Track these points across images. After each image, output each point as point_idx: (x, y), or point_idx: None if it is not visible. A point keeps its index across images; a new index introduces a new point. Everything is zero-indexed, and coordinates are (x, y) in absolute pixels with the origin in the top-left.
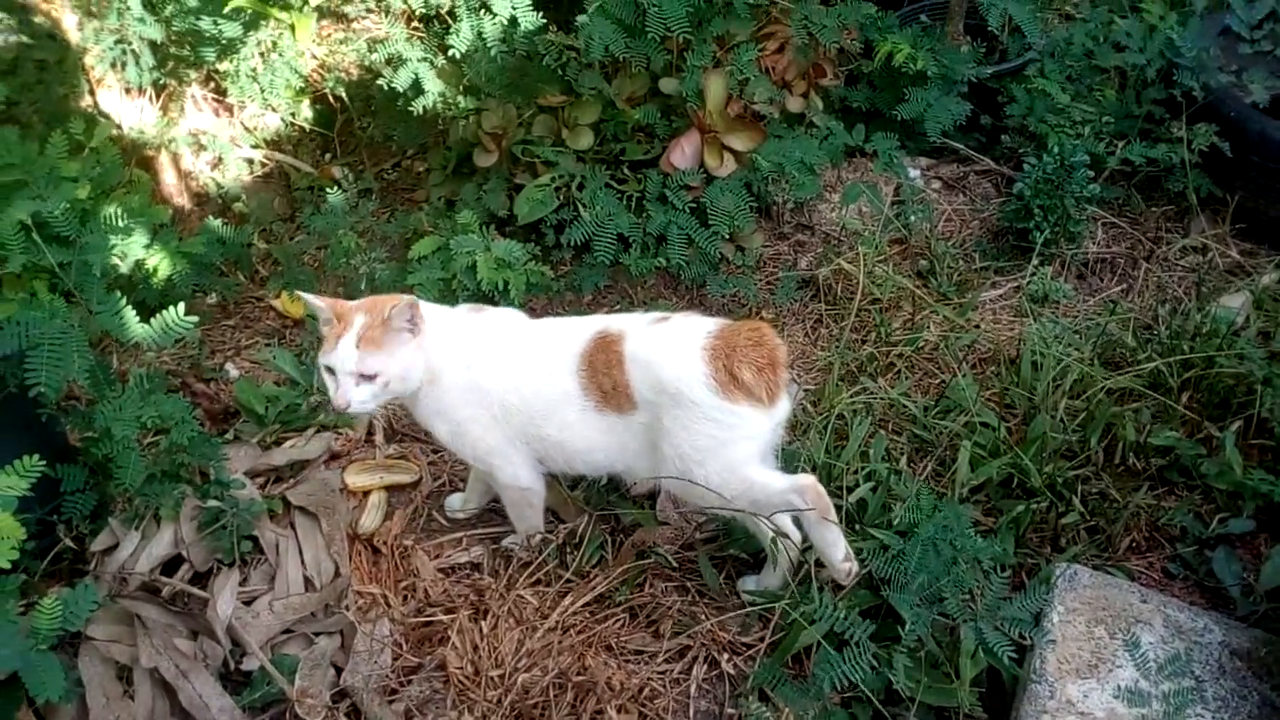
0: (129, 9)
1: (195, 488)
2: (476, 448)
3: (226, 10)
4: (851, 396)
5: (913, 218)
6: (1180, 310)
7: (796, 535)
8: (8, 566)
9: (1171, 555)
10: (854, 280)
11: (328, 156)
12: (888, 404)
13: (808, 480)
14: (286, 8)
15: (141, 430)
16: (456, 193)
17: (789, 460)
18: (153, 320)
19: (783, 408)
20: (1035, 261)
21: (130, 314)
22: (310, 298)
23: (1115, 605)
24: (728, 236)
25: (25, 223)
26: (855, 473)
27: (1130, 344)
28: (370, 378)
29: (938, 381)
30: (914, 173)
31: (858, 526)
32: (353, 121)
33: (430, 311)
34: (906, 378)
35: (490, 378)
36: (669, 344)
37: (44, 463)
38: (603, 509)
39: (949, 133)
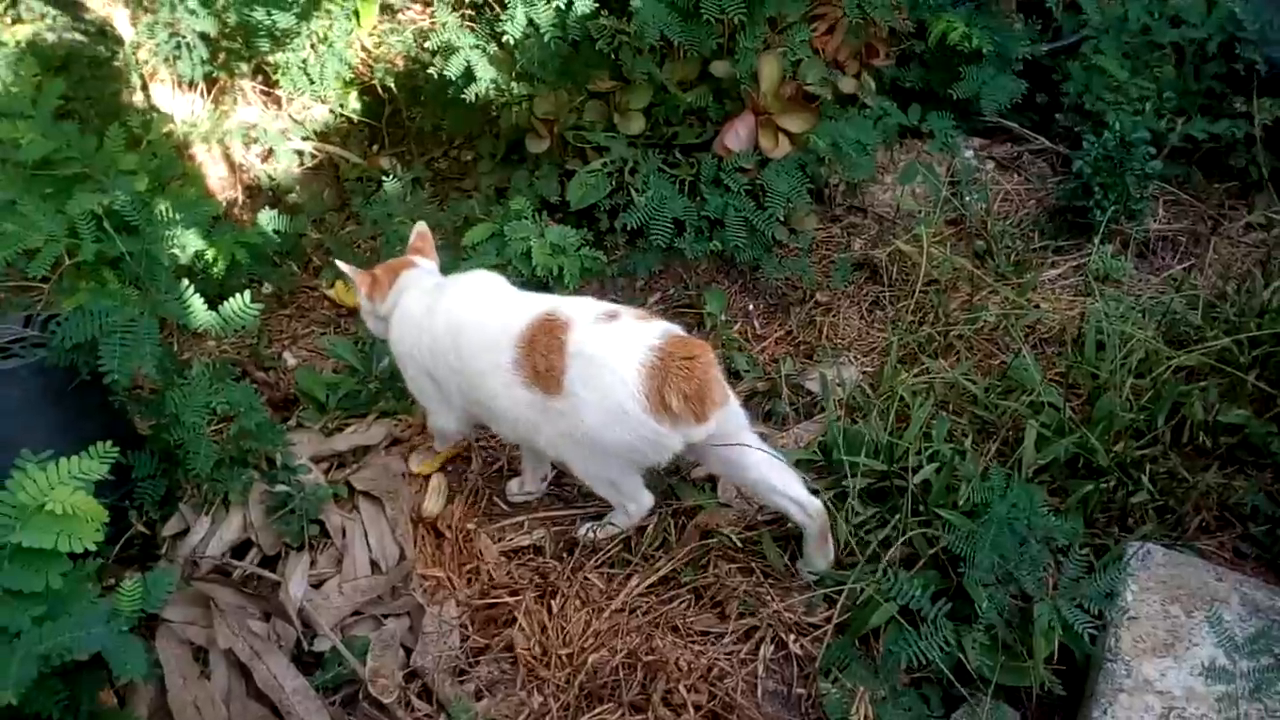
0: (183, 2)
1: (262, 473)
2: (416, 387)
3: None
4: (912, 378)
5: (968, 197)
6: (1246, 287)
7: (649, 501)
8: (94, 548)
9: (1243, 534)
10: (910, 261)
11: (375, 147)
12: (948, 385)
13: (650, 503)
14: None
15: (210, 417)
16: (506, 180)
17: (852, 442)
18: (220, 308)
19: (707, 428)
20: (1097, 240)
21: (197, 301)
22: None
23: (1190, 584)
24: (782, 219)
25: (96, 212)
26: (919, 454)
27: (1196, 322)
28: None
29: (998, 362)
30: (968, 152)
31: (923, 507)
32: (400, 112)
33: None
34: (966, 359)
35: (442, 336)
36: (612, 349)
37: (117, 449)
38: (665, 492)
39: (1004, 111)
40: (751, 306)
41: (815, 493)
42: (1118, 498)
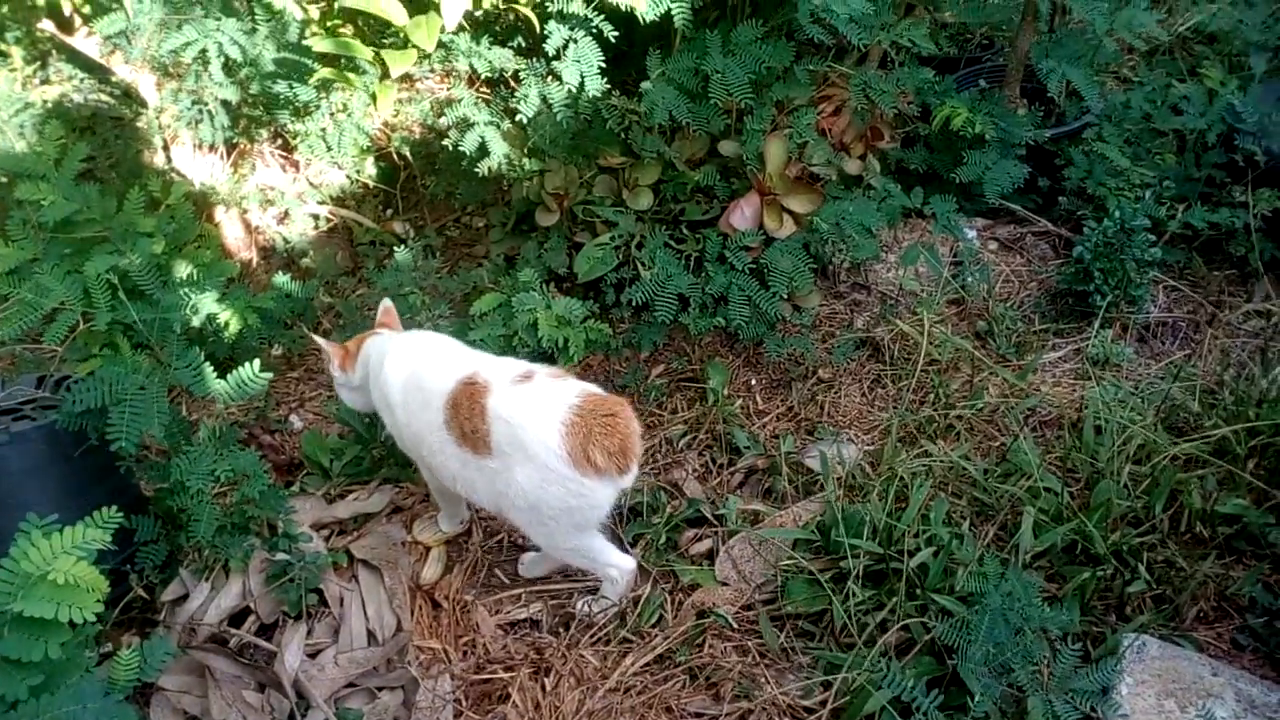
0: (209, 73)
1: (263, 540)
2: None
3: (313, 83)
4: (912, 459)
5: (970, 279)
6: (1245, 375)
7: (631, 563)
8: (94, 619)
9: (1240, 626)
10: (911, 341)
11: (389, 212)
12: (947, 466)
13: (632, 564)
14: (359, 71)
15: (214, 483)
16: (516, 249)
17: (850, 522)
18: (229, 376)
19: (630, 478)
20: (1096, 325)
21: (208, 370)
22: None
23: (1185, 677)
24: (785, 297)
25: (112, 281)
26: (916, 535)
27: (1195, 409)
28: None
29: (998, 444)
30: (970, 233)
31: (919, 591)
32: (415, 178)
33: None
34: (966, 440)
35: (395, 393)
36: (531, 411)
37: (121, 514)
38: (663, 568)
39: (1006, 195)
40: (753, 381)
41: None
42: (1115, 586)
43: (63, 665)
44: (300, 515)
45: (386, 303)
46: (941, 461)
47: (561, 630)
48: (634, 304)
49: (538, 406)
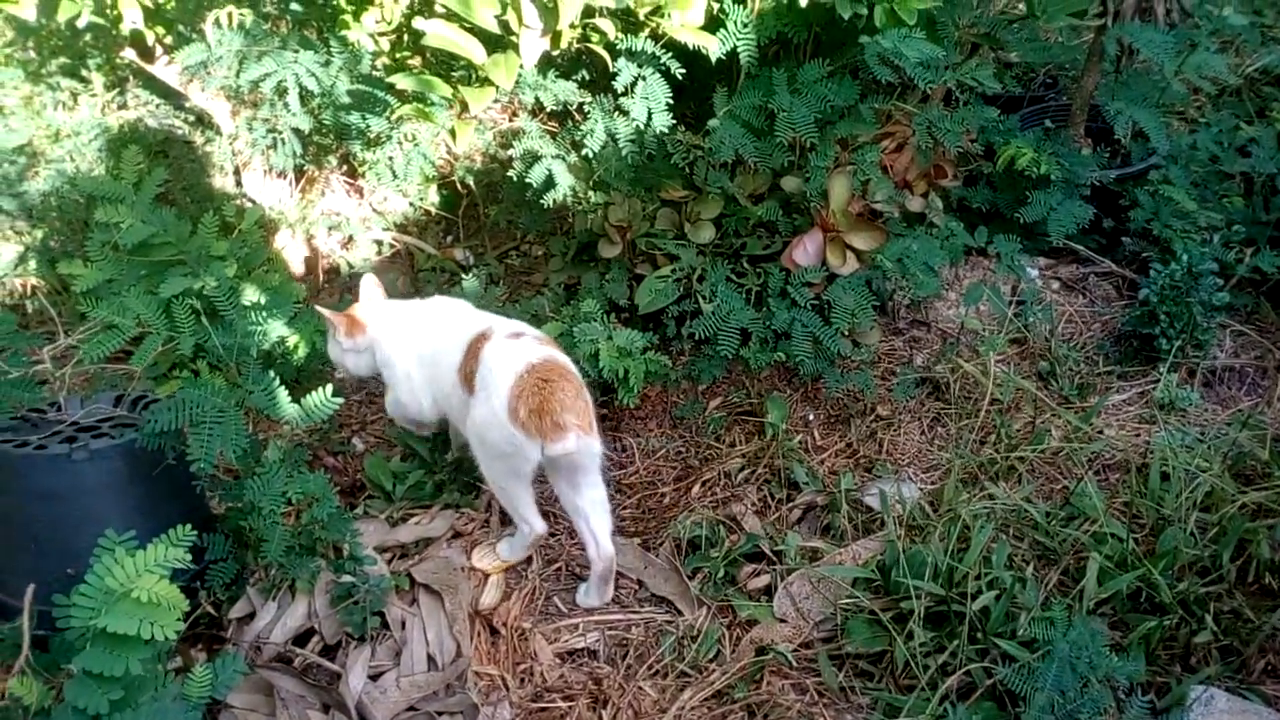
0: (285, 104)
1: (329, 562)
2: (397, 382)
3: (387, 115)
4: (974, 501)
5: (1032, 318)
6: None
7: (542, 528)
8: (174, 637)
9: None
10: (972, 379)
11: (449, 238)
12: (1010, 509)
13: (543, 529)
14: (435, 106)
15: (285, 505)
16: (575, 278)
17: (912, 563)
18: (302, 401)
19: (558, 446)
20: (1164, 369)
21: (283, 394)
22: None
23: None
24: (846, 333)
25: (195, 306)
26: (978, 578)
27: (1264, 457)
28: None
29: (1060, 487)
30: (1032, 272)
31: (981, 635)
32: (477, 206)
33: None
34: (1028, 482)
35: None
36: (501, 358)
37: (194, 532)
38: (721, 602)
39: (1070, 235)
40: (811, 416)
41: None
42: (1180, 636)
43: (141, 680)
44: (364, 538)
45: (370, 277)
46: (1005, 505)
47: (619, 660)
48: (695, 337)
49: (506, 357)
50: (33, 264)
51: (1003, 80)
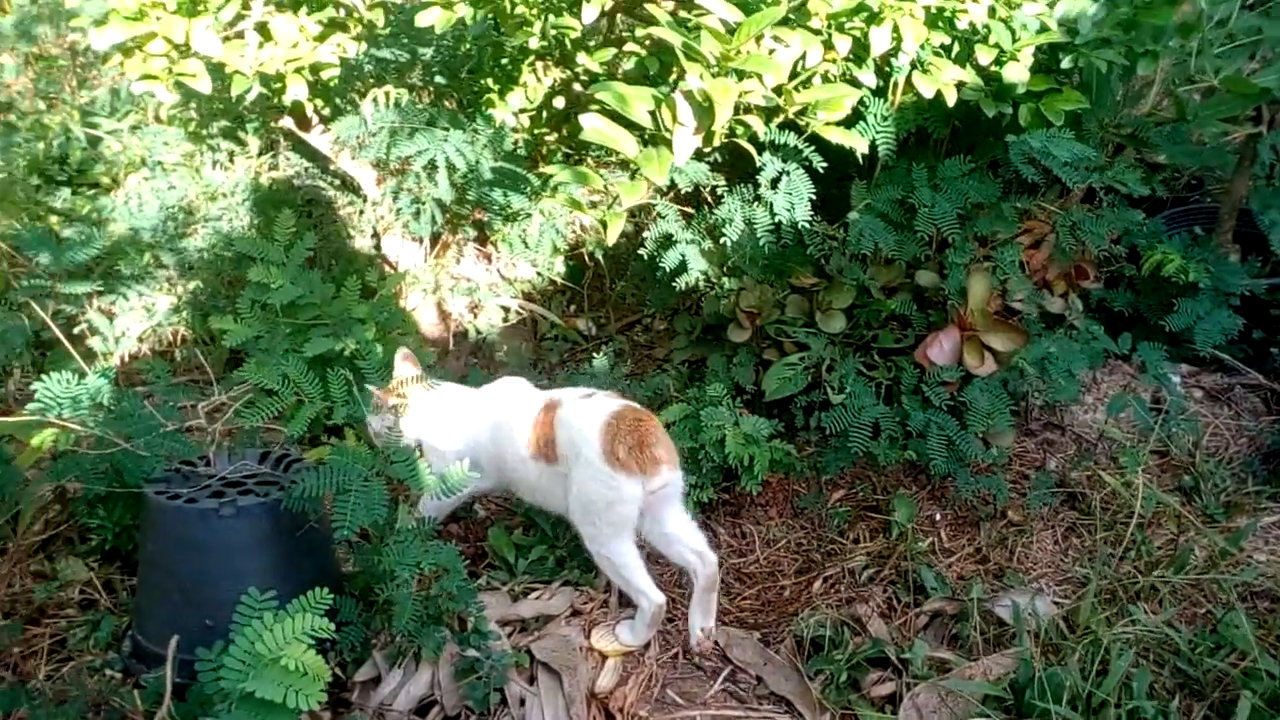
0: (433, 179)
1: (454, 634)
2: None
3: (527, 193)
4: (1115, 625)
5: (1175, 429)
6: None
7: (660, 598)
8: (317, 708)
9: None
10: (1110, 490)
11: (573, 308)
12: (1150, 632)
13: (662, 599)
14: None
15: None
16: (699, 357)
17: (1048, 684)
18: (445, 473)
19: (657, 480)
20: None
21: (423, 465)
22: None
23: None
24: (979, 434)
25: (347, 376)
26: (1118, 706)
27: None
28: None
29: (1204, 612)
30: (1174, 379)
31: None
32: (603, 278)
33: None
34: (1169, 605)
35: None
36: (582, 415)
37: (331, 595)
38: (843, 708)
39: (1216, 344)
40: (938, 516)
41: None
42: None
43: None
44: (487, 611)
45: (404, 350)
46: (1152, 632)
47: None
48: (825, 430)
49: (586, 412)
50: (185, 315)
51: (1150, 183)
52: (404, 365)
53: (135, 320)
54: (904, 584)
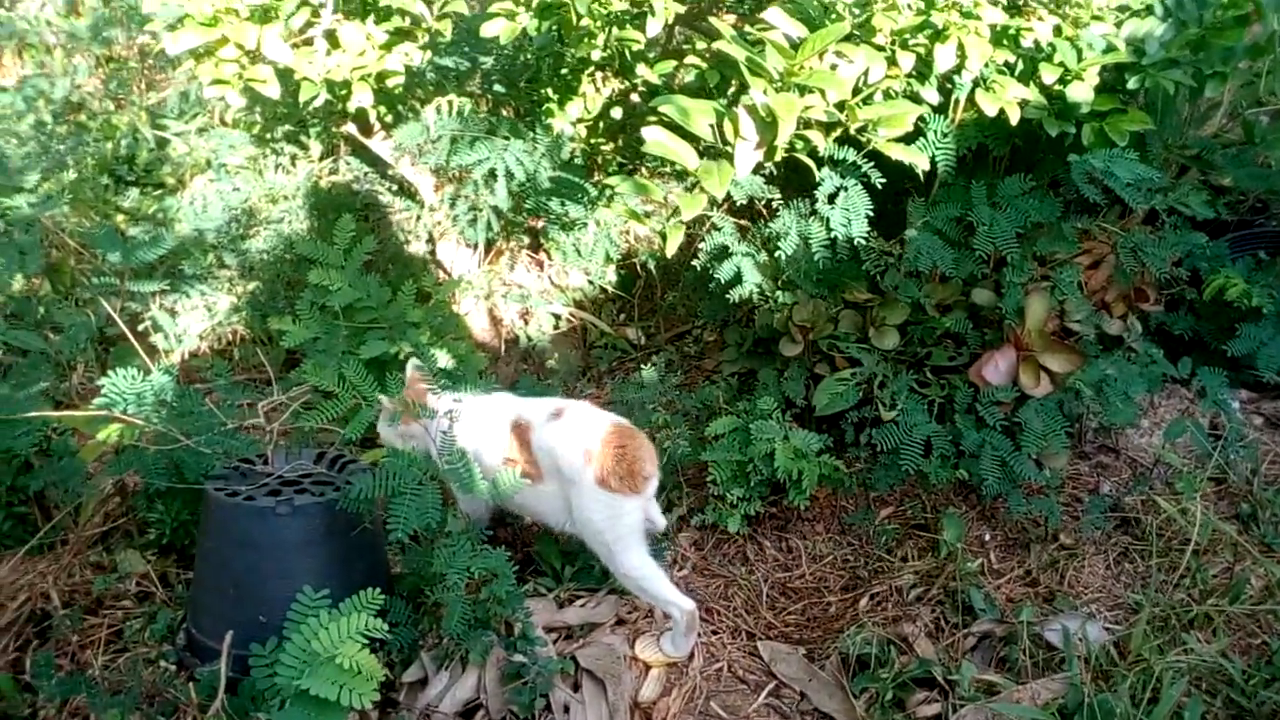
0: (492, 187)
1: (501, 638)
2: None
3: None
4: (1168, 653)
5: (1234, 456)
6: None
7: (690, 604)
8: (370, 706)
9: None
10: (1164, 515)
11: (622, 317)
12: (1203, 661)
13: (691, 605)
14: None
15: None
16: (748, 369)
17: (1100, 711)
18: (497, 478)
19: (649, 489)
20: None
21: (475, 470)
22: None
23: None
24: (1033, 456)
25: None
26: None
27: None
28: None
29: (1259, 643)
30: (1234, 404)
31: None
32: (654, 288)
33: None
34: (1223, 634)
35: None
36: (565, 440)
37: (382, 595)
38: None
39: None
40: (988, 537)
41: None
42: None
43: None
44: (534, 617)
45: (415, 361)
46: (1205, 661)
47: None
48: (875, 445)
49: (568, 437)
50: (244, 315)
51: (1215, 205)
52: (415, 374)
53: (197, 319)
54: (952, 604)
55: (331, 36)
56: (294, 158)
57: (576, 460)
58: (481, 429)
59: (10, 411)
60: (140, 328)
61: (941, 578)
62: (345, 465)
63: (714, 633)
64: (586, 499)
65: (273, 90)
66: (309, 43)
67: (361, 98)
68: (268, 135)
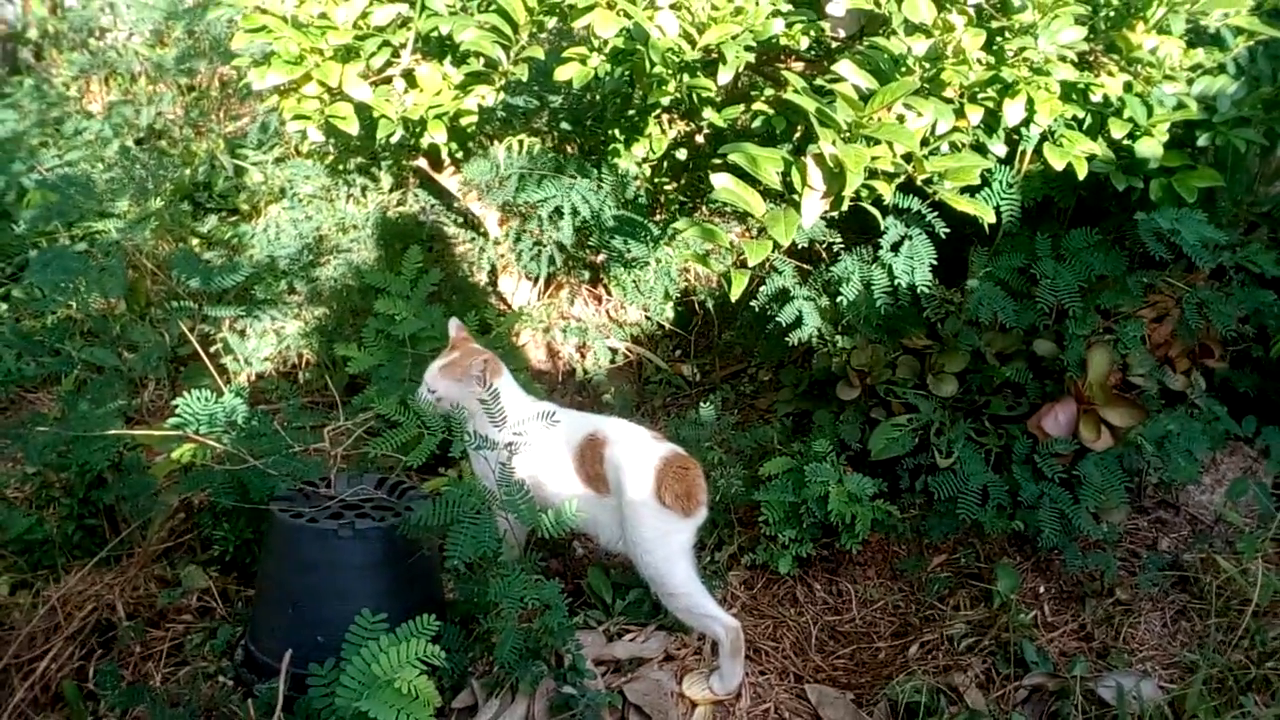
0: (558, 225)
1: (551, 669)
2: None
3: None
4: (1224, 715)
5: None
6: None
7: (732, 622)
8: None
9: None
10: (1224, 575)
11: (679, 353)
12: None
13: (736, 623)
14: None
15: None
16: (801, 409)
17: None
18: (549, 512)
19: (699, 516)
20: None
21: (531, 501)
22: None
23: None
24: (1091, 510)
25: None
26: None
27: None
28: (433, 391)
29: None
30: None
31: None
32: (711, 326)
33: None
34: None
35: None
36: (632, 458)
37: (438, 622)
38: None
39: None
40: (1042, 589)
41: None
42: None
43: None
44: (584, 649)
45: (456, 321)
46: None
47: None
48: (930, 492)
49: (635, 455)
50: (311, 340)
51: None
52: (458, 332)
53: (266, 342)
54: (1004, 656)
55: (409, 76)
56: (365, 189)
57: (641, 474)
58: (562, 441)
59: (88, 428)
60: (211, 349)
61: (994, 629)
62: (405, 492)
63: (761, 673)
64: (641, 513)
65: (352, 127)
66: (387, 81)
67: (436, 135)
68: (340, 167)
